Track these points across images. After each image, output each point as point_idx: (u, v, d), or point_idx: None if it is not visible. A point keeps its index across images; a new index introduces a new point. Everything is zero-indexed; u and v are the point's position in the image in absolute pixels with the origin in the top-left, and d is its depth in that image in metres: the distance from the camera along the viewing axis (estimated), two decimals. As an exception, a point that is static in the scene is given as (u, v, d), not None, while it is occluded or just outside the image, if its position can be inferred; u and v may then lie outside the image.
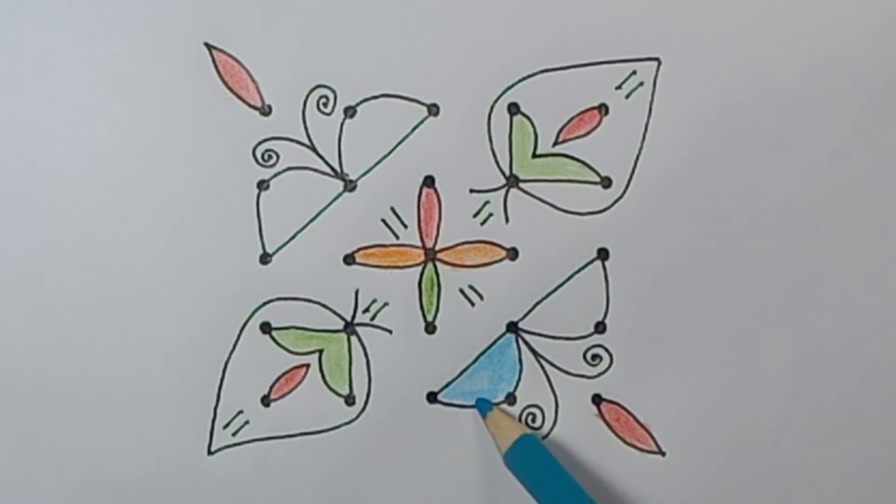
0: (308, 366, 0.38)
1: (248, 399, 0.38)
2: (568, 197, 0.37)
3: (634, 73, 0.37)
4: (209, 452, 0.38)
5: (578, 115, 0.37)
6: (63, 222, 0.36)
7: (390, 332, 0.38)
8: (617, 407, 0.38)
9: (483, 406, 0.38)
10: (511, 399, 0.38)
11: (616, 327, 0.38)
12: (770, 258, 0.37)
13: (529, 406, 0.38)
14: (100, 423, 0.37)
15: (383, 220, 0.37)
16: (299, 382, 0.38)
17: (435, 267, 0.38)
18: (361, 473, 0.38)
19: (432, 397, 0.38)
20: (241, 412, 0.38)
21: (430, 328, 0.38)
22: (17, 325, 0.37)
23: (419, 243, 0.38)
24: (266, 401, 0.38)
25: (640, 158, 0.37)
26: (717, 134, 0.37)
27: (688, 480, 0.38)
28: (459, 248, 0.38)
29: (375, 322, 0.38)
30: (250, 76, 0.37)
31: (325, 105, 0.37)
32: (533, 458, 0.36)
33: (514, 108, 0.37)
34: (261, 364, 0.38)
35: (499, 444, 0.37)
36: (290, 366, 0.38)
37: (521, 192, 0.37)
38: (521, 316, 0.38)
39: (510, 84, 0.37)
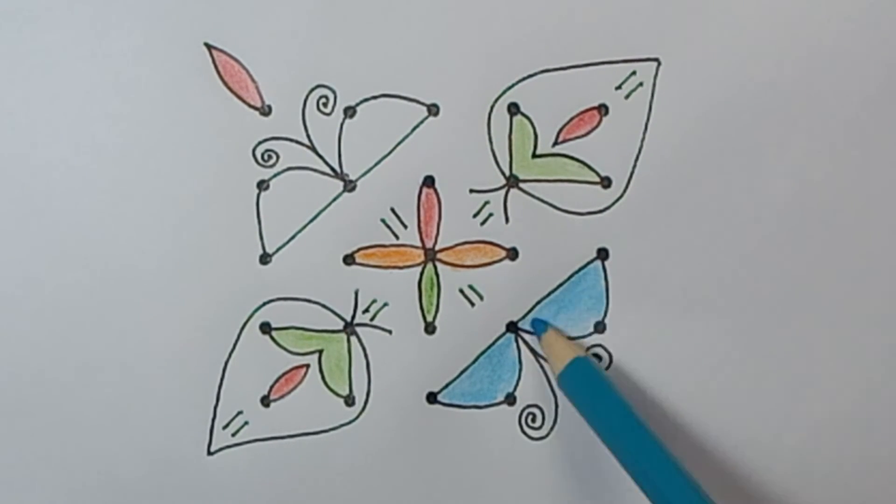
0: (308, 366, 0.38)
1: (247, 399, 0.38)
2: (568, 197, 0.37)
3: (634, 73, 0.37)
4: (209, 453, 0.38)
5: (578, 115, 0.37)
6: (63, 222, 0.36)
7: (390, 332, 0.38)
8: (617, 407, 0.38)
9: (538, 326, 0.37)
10: (511, 399, 0.38)
11: (616, 327, 0.38)
12: (769, 258, 0.37)
13: (529, 406, 0.38)
14: (100, 423, 0.37)
15: (383, 221, 0.37)
16: (299, 383, 0.38)
17: (435, 267, 0.38)
18: (361, 473, 0.38)
19: (432, 397, 0.38)
20: (240, 412, 0.38)
21: (430, 328, 0.38)
22: (17, 325, 0.37)
23: (419, 243, 0.38)
24: (266, 401, 0.38)
25: (640, 158, 0.37)
26: (717, 134, 0.37)
27: (688, 480, 0.38)
28: (459, 248, 0.38)
29: (375, 322, 0.38)
30: (250, 76, 0.37)
31: (325, 105, 0.37)
32: (586, 380, 0.36)
33: (514, 108, 0.37)
34: (260, 364, 0.38)
35: (552, 365, 0.37)
36: (289, 366, 0.38)
37: (521, 192, 0.37)
38: (521, 316, 0.38)
39: (510, 84, 0.37)
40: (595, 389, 0.36)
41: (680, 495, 0.32)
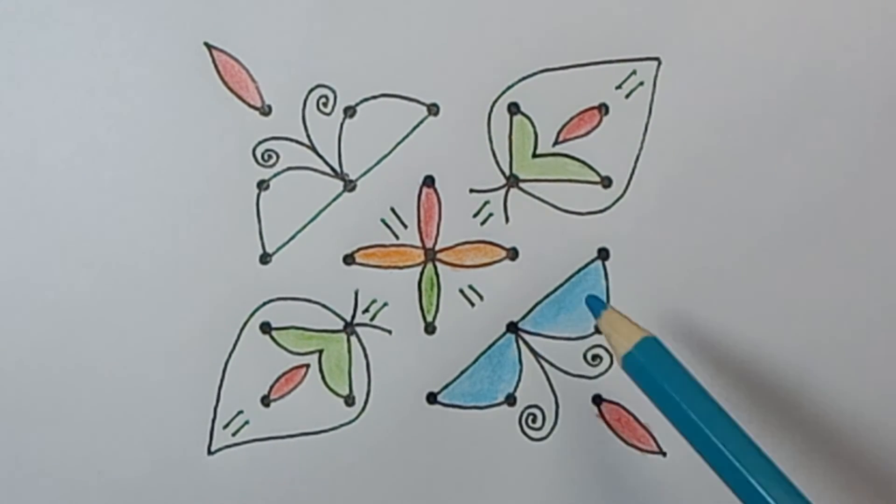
0: (308, 366, 0.38)
1: (248, 399, 0.38)
2: (568, 197, 0.37)
3: (634, 72, 0.37)
4: (209, 452, 0.38)
5: (578, 114, 0.37)
6: (63, 222, 0.36)
7: (390, 332, 0.38)
8: (617, 407, 0.38)
9: (595, 305, 0.36)
10: (511, 400, 0.38)
11: (616, 327, 0.38)
12: (770, 257, 0.37)
13: (530, 406, 0.38)
14: (100, 423, 0.37)
15: (383, 220, 0.37)
16: (299, 383, 0.38)
17: (435, 267, 0.38)
18: (361, 473, 0.38)
19: (432, 398, 0.38)
20: (240, 412, 0.38)
21: (430, 328, 0.38)
22: (17, 325, 0.37)
23: (419, 243, 0.38)
24: (266, 401, 0.38)
25: (640, 158, 0.37)
26: (717, 134, 0.37)
27: (688, 480, 0.38)
28: (459, 248, 0.38)
29: (375, 322, 0.38)
30: (250, 76, 0.37)
31: (325, 105, 0.37)
32: (656, 362, 0.33)
33: (514, 108, 0.37)
34: (261, 364, 0.38)
35: (616, 346, 0.34)
36: (289, 366, 0.38)
37: (521, 192, 0.37)
38: (521, 316, 0.38)
39: (510, 84, 0.37)
40: (667, 371, 0.33)
41: (771, 485, 0.30)
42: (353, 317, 0.38)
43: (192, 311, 0.37)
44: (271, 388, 0.38)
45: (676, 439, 0.38)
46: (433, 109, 0.37)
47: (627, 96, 0.37)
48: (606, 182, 0.37)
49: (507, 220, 0.37)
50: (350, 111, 0.37)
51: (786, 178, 0.37)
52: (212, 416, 0.38)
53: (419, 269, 0.38)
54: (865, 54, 0.37)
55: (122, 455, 0.37)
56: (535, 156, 0.37)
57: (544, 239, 0.37)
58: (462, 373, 0.38)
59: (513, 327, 0.38)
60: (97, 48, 0.36)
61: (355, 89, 0.37)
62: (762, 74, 0.37)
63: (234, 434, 0.38)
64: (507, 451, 0.38)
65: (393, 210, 0.37)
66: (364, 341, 0.38)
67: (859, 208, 0.37)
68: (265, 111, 0.37)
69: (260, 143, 0.37)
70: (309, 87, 0.37)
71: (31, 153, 0.36)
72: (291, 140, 0.37)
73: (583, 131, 0.37)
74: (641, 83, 0.37)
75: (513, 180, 0.37)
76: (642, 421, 0.38)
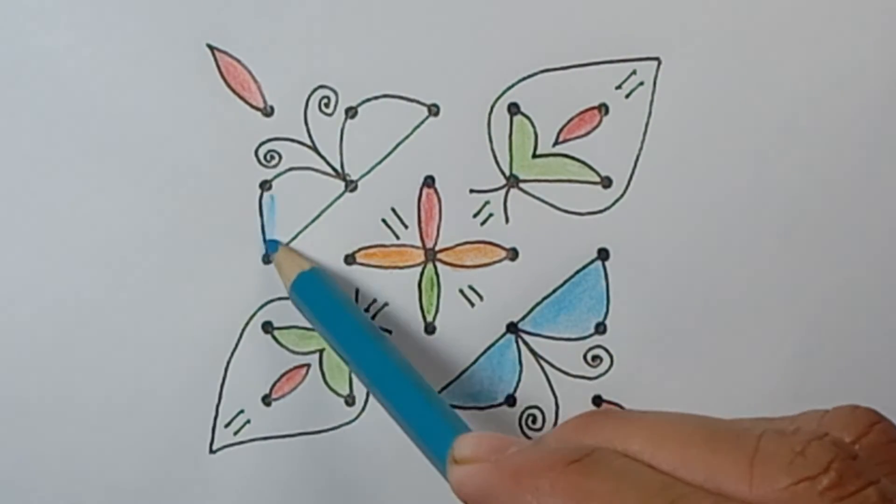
0: (308, 366, 0.38)
1: (249, 398, 0.38)
2: (568, 197, 0.37)
3: (634, 72, 0.37)
4: (211, 451, 0.38)
5: (578, 114, 0.37)
6: (63, 222, 0.37)
7: (390, 332, 0.38)
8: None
9: (272, 246, 0.37)
10: (511, 400, 0.38)
11: (616, 328, 0.38)
12: (771, 258, 0.37)
13: (529, 407, 0.38)
14: (102, 422, 0.37)
15: (384, 221, 0.38)
16: (300, 382, 0.38)
17: (435, 267, 0.38)
18: (361, 473, 0.38)
19: (432, 398, 0.38)
20: (242, 411, 0.38)
21: (430, 328, 0.38)
22: (18, 325, 0.37)
23: (419, 243, 0.38)
24: (267, 400, 0.38)
25: (640, 158, 0.37)
26: (718, 133, 0.37)
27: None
28: (459, 248, 0.38)
29: (375, 322, 0.38)
30: (252, 77, 0.37)
31: (327, 106, 0.37)
32: (318, 291, 0.36)
33: (514, 108, 0.37)
34: (262, 363, 0.38)
35: (284, 281, 0.37)
36: (291, 365, 0.38)
37: (521, 192, 0.37)
38: (521, 316, 0.38)
39: (510, 84, 0.37)
40: (327, 299, 0.36)
41: (408, 397, 0.32)
42: (354, 316, 0.38)
43: (194, 310, 0.37)
44: (272, 387, 0.38)
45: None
46: (433, 110, 0.37)
47: (627, 96, 0.37)
48: (606, 182, 0.37)
49: (507, 220, 0.37)
50: (351, 112, 0.37)
51: (786, 178, 0.37)
52: (214, 414, 0.38)
53: (419, 269, 0.38)
54: (866, 54, 0.36)
55: (123, 453, 0.38)
56: (535, 156, 0.37)
57: (544, 239, 0.37)
58: (462, 373, 0.38)
59: (513, 328, 0.38)
60: (98, 49, 0.36)
61: (356, 90, 0.37)
62: (763, 74, 0.36)
63: (235, 433, 0.38)
64: (507, 451, 0.38)
65: (394, 210, 0.38)
66: (364, 341, 0.38)
67: (860, 208, 0.37)
68: (267, 112, 0.37)
69: (262, 143, 0.37)
70: (311, 88, 0.37)
71: (31, 154, 0.36)
72: (293, 141, 0.37)
73: (583, 131, 0.37)
74: (641, 83, 0.37)
75: (513, 180, 0.37)
76: (644, 423, 0.38)
